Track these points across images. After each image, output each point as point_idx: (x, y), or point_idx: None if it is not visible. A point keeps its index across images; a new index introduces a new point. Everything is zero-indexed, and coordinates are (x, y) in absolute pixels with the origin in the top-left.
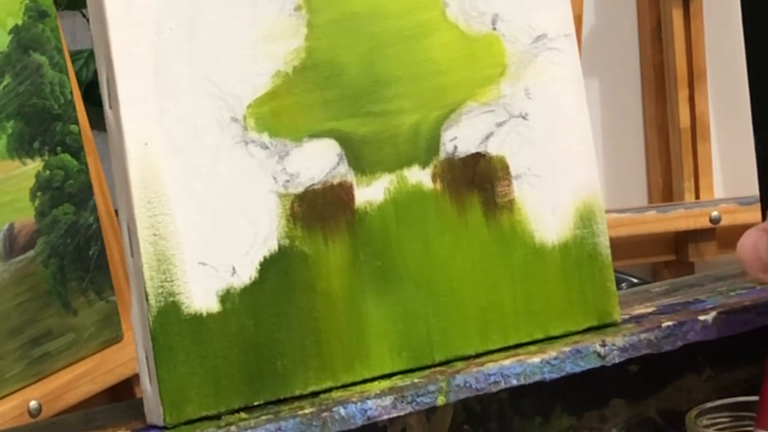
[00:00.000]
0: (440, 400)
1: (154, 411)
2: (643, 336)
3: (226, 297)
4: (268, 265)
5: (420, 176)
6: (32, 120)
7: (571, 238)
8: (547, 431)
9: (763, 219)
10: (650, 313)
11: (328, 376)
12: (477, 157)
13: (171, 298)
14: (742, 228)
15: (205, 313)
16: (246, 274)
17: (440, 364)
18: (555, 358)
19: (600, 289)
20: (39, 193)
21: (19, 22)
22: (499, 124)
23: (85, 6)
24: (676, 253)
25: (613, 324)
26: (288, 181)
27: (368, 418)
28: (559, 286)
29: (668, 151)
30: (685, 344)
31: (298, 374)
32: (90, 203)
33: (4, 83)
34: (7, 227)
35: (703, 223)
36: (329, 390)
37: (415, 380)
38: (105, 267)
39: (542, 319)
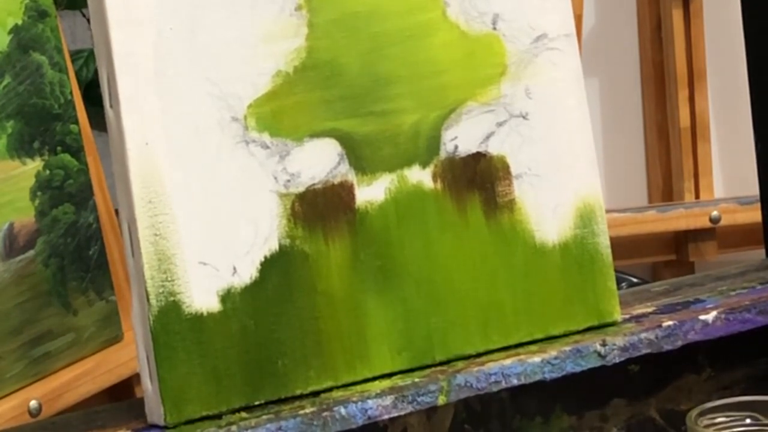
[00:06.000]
0: (441, 400)
1: (155, 410)
2: (643, 336)
3: (226, 297)
4: (268, 264)
5: (420, 176)
6: (32, 120)
7: (571, 238)
8: (547, 431)
9: None
10: (650, 313)
11: (329, 375)
12: (477, 157)
13: (172, 298)
14: (742, 228)
15: (205, 313)
16: (247, 273)
17: (441, 363)
18: (555, 358)
19: (600, 289)
20: (39, 193)
21: (19, 22)
22: (500, 124)
23: (85, 6)
24: (676, 253)
25: (614, 324)
26: (289, 180)
27: (369, 418)
28: (560, 285)
29: (668, 151)
30: (685, 344)
31: (299, 374)
32: (90, 203)
33: (4, 83)
34: (7, 227)
35: (703, 223)
36: (330, 389)
37: (416, 380)
38: (105, 267)
39: (543, 319)
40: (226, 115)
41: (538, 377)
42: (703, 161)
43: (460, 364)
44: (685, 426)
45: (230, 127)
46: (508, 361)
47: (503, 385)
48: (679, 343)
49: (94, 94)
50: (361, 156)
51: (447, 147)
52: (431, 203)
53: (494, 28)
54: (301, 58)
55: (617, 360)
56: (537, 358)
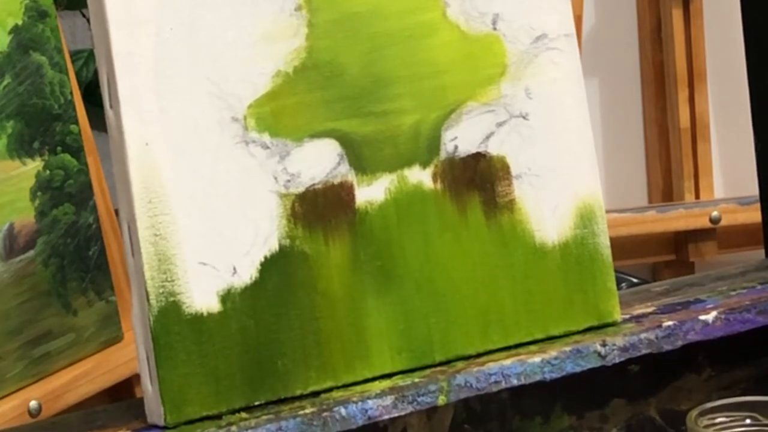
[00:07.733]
0: (441, 400)
1: (155, 411)
2: (643, 336)
3: (226, 297)
4: (268, 264)
5: (421, 176)
6: (32, 120)
7: (571, 238)
8: (547, 431)
9: None
10: (650, 313)
11: (329, 375)
12: (477, 157)
13: (172, 298)
14: (742, 228)
15: (205, 313)
16: (247, 273)
17: (441, 363)
18: (555, 358)
19: (600, 289)
20: (39, 193)
21: (19, 22)
22: (500, 124)
23: (85, 6)
24: (676, 253)
25: (614, 324)
26: (289, 181)
27: (369, 418)
28: (560, 285)
29: (668, 151)
30: (685, 344)
31: (299, 374)
32: (90, 203)
33: (4, 83)
34: (7, 227)
35: (703, 223)
36: (330, 390)
37: (416, 380)
38: (105, 267)
39: (543, 319)
40: (226, 116)
41: (538, 377)
42: (703, 161)
43: (460, 365)
44: (685, 426)
45: (230, 128)
46: (508, 362)
47: (503, 385)
48: (679, 343)
49: (94, 94)
50: (361, 156)
51: (447, 147)
52: (431, 203)
53: (494, 29)
54: (301, 58)
55: (617, 360)
56: (537, 358)
